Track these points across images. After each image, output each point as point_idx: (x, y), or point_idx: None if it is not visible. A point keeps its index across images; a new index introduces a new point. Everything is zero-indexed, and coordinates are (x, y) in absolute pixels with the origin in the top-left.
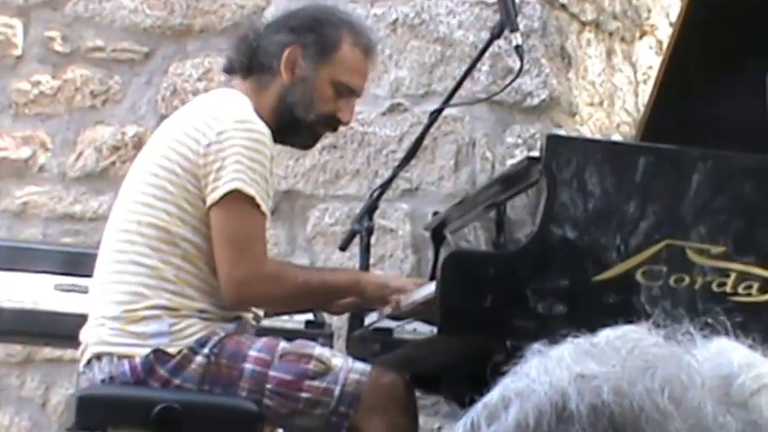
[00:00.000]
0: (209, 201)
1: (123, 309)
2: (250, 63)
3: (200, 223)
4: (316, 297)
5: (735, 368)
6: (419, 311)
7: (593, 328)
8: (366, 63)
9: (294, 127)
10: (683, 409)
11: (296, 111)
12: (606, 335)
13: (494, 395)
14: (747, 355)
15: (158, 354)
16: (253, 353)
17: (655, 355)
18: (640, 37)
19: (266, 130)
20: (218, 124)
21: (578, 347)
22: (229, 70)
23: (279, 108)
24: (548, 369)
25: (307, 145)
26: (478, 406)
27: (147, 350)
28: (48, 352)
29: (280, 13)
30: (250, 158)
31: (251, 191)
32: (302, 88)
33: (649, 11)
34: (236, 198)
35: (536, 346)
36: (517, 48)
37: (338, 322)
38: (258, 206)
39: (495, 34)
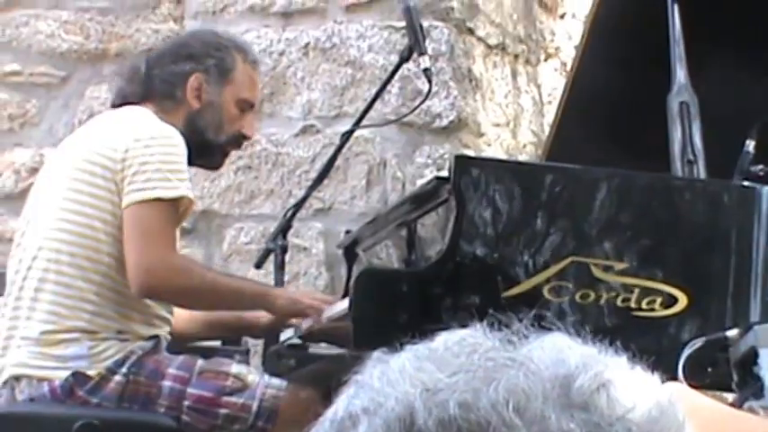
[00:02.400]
0: (128, 201)
1: (42, 330)
2: (145, 91)
3: (119, 231)
4: (223, 299)
5: (572, 369)
6: (331, 332)
7: None
8: (257, 76)
9: (205, 149)
10: (528, 420)
11: (207, 134)
12: (444, 340)
13: (339, 410)
14: (583, 353)
15: (78, 376)
16: (171, 370)
17: (495, 363)
18: (545, 59)
19: (179, 136)
20: (135, 132)
21: (417, 354)
22: (120, 101)
23: (188, 133)
24: (391, 380)
25: (217, 165)
26: (325, 423)
27: (66, 373)
28: None
29: (170, 43)
30: (169, 161)
31: (175, 194)
32: (211, 112)
33: (553, 33)
34: (154, 201)
35: (375, 353)
36: (426, 70)
37: (254, 339)
38: (173, 204)
39: (405, 57)
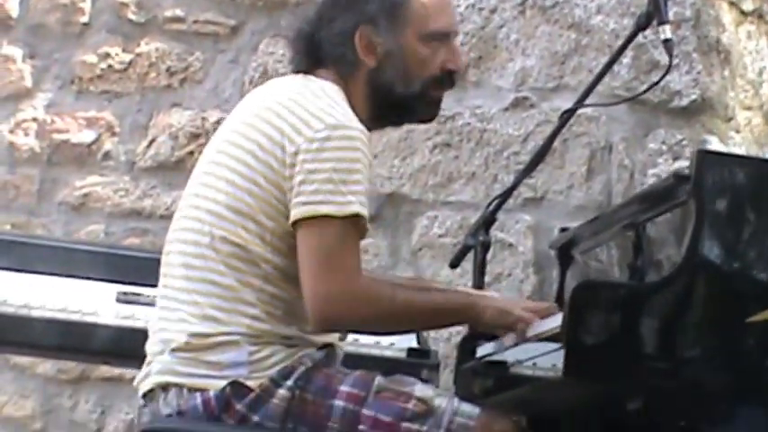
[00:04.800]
0: (294, 216)
1: (193, 333)
2: (318, 57)
3: (281, 242)
4: (420, 320)
5: None
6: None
7: (745, 375)
8: None
9: (403, 107)
10: None
11: (396, 90)
12: None
13: None
14: None
15: (235, 387)
16: (344, 388)
17: None
18: None
19: (363, 134)
20: (309, 129)
21: None
22: (299, 70)
23: (375, 95)
24: None
25: (430, 115)
26: None
27: (222, 382)
28: (106, 370)
29: None
30: (346, 171)
31: (345, 211)
32: (392, 64)
33: None
34: (323, 218)
35: None
36: (666, 42)
37: (445, 350)
38: (355, 221)
39: (641, 26)
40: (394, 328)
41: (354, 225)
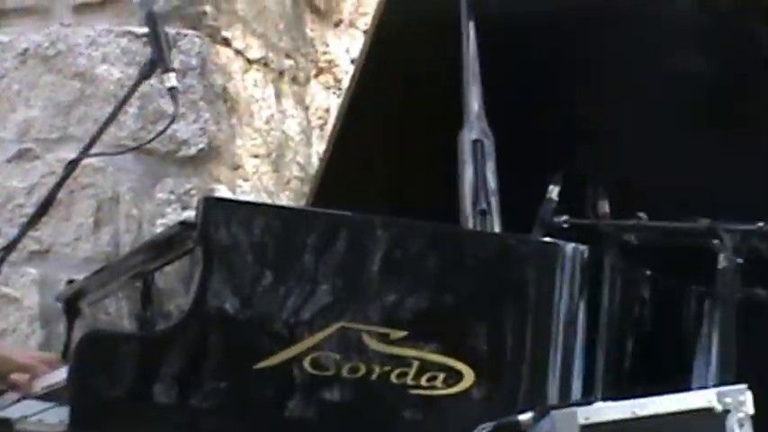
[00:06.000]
0: None
1: None
2: None
3: None
4: None
5: None
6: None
7: (259, 423)
8: None
9: None
10: None
11: None
12: None
13: None
14: None
15: None
16: None
17: None
18: (316, 75)
19: None
20: None
21: None
22: None
23: None
24: None
25: None
26: None
27: None
28: None
29: None
30: None
31: None
32: None
33: (327, 45)
34: None
35: None
36: (171, 90)
37: None
38: None
39: (145, 74)
40: None
41: None
